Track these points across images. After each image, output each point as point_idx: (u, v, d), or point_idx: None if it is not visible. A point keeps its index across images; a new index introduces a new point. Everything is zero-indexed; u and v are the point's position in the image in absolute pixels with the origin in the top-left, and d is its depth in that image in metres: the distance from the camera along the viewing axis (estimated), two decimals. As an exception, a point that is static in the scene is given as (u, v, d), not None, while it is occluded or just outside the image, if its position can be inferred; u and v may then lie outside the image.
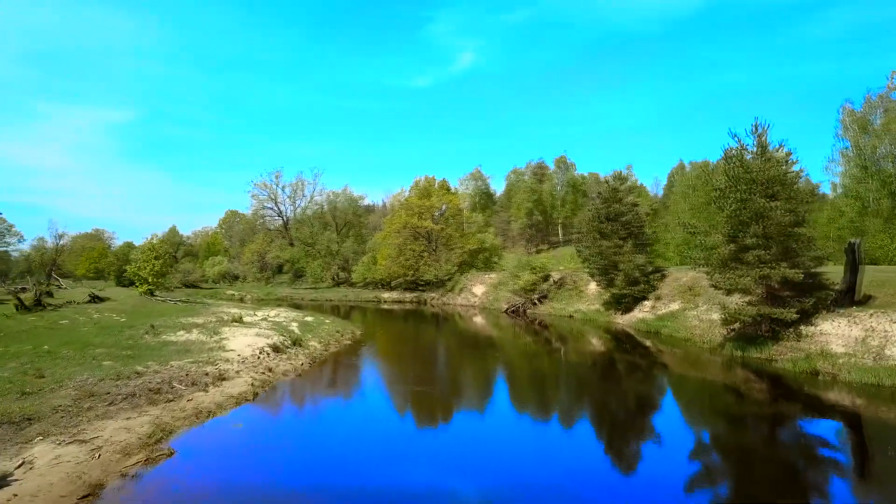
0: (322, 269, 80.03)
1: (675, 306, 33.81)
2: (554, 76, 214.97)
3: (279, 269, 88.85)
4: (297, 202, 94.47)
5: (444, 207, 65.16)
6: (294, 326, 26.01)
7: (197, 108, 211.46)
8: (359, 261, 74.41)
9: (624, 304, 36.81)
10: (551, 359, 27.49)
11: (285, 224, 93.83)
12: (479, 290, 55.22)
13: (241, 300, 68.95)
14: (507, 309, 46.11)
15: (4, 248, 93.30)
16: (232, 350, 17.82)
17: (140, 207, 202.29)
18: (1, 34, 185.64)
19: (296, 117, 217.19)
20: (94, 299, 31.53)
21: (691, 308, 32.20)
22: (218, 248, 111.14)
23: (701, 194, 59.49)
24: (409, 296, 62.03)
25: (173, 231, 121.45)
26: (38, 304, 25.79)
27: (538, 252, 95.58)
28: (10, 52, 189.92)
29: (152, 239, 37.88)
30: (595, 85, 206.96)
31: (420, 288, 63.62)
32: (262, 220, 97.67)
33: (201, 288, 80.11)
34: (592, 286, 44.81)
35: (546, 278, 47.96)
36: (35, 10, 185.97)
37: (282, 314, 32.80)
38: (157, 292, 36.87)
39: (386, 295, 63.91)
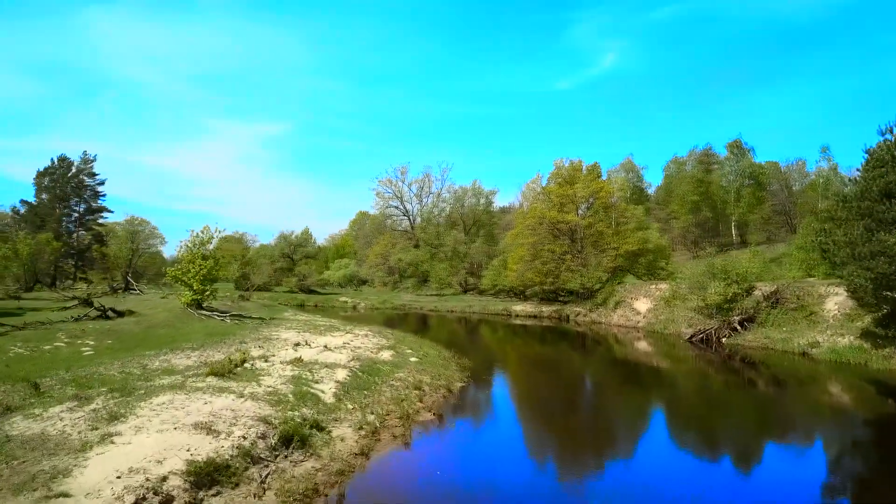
0: (447, 273, 69.79)
1: None
2: (704, 74, 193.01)
3: (406, 273, 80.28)
4: (424, 199, 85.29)
5: (591, 200, 51.25)
6: (334, 381, 14.59)
7: (343, 119, 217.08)
8: (488, 265, 63.01)
9: (922, 341, 21.19)
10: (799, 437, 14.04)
11: (411, 223, 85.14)
12: (642, 305, 40.85)
13: (354, 308, 60.67)
14: (693, 336, 31.54)
15: (147, 250, 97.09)
16: (67, 494, 6.87)
17: (290, 213, 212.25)
18: (176, 58, 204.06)
19: (435, 126, 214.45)
20: (105, 314, 23.02)
21: None
22: (347, 250, 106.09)
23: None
24: (546, 309, 49.02)
25: (306, 233, 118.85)
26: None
27: (706, 256, 77.86)
28: (184, 73, 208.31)
29: (202, 232, 29.02)
30: (751, 81, 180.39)
31: (561, 299, 50.46)
32: (390, 220, 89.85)
33: (318, 293, 73.56)
34: (831, 305, 29.17)
35: (750, 291, 32.69)
36: (202, 34, 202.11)
37: (354, 342, 21.93)
38: (206, 303, 28.02)
39: (518, 307, 51.41)
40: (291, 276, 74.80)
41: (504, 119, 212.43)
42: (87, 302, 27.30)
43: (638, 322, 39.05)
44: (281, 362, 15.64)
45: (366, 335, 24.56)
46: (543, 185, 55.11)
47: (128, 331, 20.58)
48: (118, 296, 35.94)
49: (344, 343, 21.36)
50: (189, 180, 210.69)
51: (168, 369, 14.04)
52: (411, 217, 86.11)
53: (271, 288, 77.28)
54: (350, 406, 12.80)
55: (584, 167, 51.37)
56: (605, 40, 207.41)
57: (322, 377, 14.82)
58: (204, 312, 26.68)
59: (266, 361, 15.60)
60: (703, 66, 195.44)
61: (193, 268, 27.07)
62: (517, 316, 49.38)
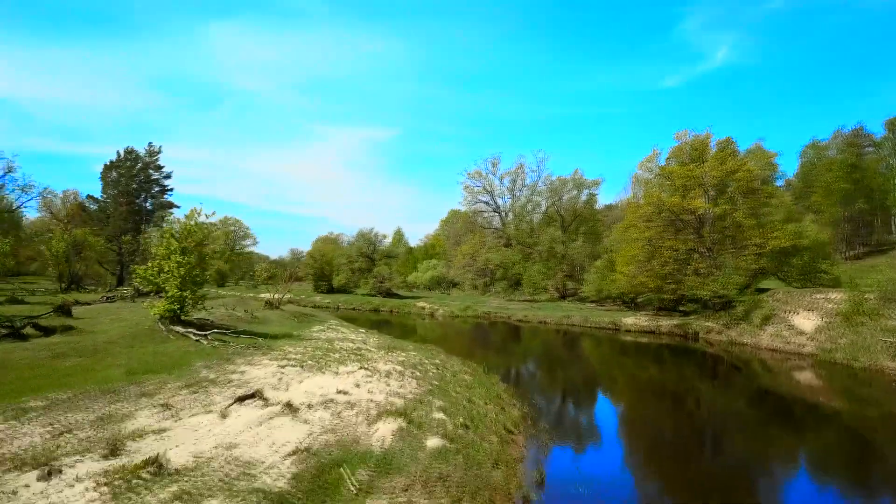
0: (542, 276, 60.71)
1: None
2: (827, 65, 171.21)
3: (497, 276, 72.01)
4: (517, 193, 76.34)
5: (724, 183, 40.13)
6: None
7: (443, 123, 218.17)
8: (591, 267, 53.26)
9: None
10: None
11: (502, 220, 76.73)
12: (805, 322, 29.94)
13: (432, 315, 53.45)
14: (911, 377, 20.81)
15: (240, 250, 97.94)
16: None
17: (389, 216, 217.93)
18: (286, 66, 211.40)
19: (536, 128, 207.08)
20: (16, 333, 16.54)
21: None
22: (438, 250, 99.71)
23: None
24: (665, 322, 38.87)
25: (398, 233, 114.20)
26: None
27: (857, 258, 63.19)
28: (293, 81, 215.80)
29: (186, 218, 21.96)
30: (883, 69, 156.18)
31: (681, 310, 40.07)
32: (480, 217, 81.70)
33: (398, 296, 67.20)
34: None
35: None
36: (310, 43, 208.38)
37: (357, 390, 13.60)
38: (193, 315, 21.12)
39: (629, 320, 41.44)
40: (370, 276, 68.87)
41: (608, 119, 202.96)
42: (61, 309, 21.56)
43: (803, 346, 28.23)
44: (110, 473, 7.61)
45: (389, 373, 16.37)
46: (661, 164, 44.58)
47: (13, 362, 13.87)
48: (137, 300, 30.93)
49: (338, 392, 13.44)
50: (294, 184, 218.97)
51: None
52: (502, 213, 77.75)
53: (350, 290, 71.96)
54: None
55: (713, 143, 40.55)
56: (716, 34, 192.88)
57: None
58: (178, 329, 19.56)
59: (109, 458, 7.76)
60: (828, 56, 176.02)
61: (169, 265, 20.38)
62: (628, 331, 39.63)
